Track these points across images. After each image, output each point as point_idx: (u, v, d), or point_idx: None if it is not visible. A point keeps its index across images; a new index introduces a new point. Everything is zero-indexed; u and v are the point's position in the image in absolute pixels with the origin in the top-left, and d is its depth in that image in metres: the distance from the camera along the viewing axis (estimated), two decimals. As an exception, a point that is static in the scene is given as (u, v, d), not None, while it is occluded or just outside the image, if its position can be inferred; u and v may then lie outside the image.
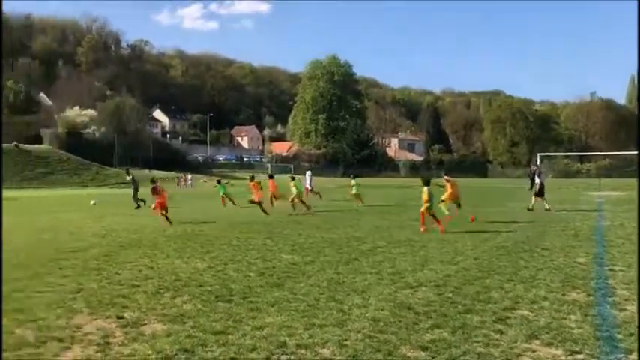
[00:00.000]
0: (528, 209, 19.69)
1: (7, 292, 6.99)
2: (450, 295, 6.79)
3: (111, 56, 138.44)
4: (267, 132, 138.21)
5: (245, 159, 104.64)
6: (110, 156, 70.68)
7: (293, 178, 21.78)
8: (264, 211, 18.65)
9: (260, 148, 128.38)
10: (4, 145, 61.37)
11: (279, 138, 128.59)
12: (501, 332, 5.24)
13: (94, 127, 75.65)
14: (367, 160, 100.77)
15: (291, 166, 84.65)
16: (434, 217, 13.63)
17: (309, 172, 31.97)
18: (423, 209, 13.66)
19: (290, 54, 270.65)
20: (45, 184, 55.09)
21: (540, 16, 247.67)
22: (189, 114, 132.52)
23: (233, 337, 5.09)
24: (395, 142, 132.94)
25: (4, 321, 5.54)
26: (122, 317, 5.79)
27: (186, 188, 51.90)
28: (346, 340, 5.00)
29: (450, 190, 17.14)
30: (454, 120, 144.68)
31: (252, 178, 20.79)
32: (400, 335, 5.15)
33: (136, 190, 23.85)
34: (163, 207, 15.93)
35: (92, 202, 25.32)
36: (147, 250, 10.70)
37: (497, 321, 5.60)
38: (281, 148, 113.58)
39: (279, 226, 15.03)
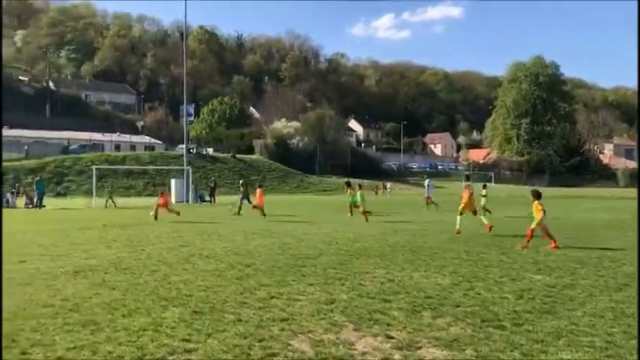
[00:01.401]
0: None
1: (265, 298, 7.17)
2: None
3: (310, 70, 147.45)
4: (461, 139, 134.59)
5: (439, 167, 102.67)
6: (312, 164, 74.84)
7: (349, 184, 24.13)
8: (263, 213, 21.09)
9: (454, 155, 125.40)
10: (223, 155, 68.65)
11: (475, 145, 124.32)
12: None
13: (297, 138, 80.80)
14: (577, 168, 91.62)
15: (492, 174, 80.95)
16: (548, 234, 12.46)
17: (427, 180, 30.79)
18: (534, 225, 12.25)
19: (485, 57, 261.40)
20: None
21: None
22: (382, 122, 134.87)
23: (532, 375, 4.38)
24: (609, 147, 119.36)
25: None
26: (392, 337, 5.43)
27: (385, 196, 52.38)
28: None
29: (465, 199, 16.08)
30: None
31: (260, 185, 23.00)
32: None
33: (244, 197, 24.83)
34: (161, 206, 21.09)
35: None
36: (377, 261, 10.49)
37: None
38: (477, 156, 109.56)
39: (505, 240, 13.84)
